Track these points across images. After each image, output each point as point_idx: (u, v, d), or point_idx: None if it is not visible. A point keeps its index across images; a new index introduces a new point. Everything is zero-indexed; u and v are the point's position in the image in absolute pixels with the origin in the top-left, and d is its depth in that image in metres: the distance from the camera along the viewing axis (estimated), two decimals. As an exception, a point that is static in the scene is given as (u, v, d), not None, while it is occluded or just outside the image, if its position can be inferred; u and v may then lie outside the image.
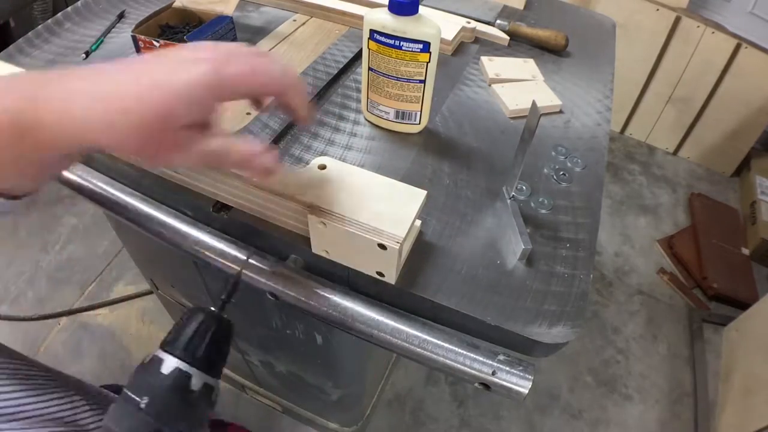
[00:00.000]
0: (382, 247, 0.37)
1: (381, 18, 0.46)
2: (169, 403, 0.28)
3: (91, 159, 0.52)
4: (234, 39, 0.63)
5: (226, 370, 1.13)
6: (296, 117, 0.36)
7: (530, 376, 0.37)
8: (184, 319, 0.32)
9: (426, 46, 0.47)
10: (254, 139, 0.34)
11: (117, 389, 0.84)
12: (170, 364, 0.29)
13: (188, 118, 0.30)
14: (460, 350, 0.38)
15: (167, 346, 0.30)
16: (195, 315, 0.32)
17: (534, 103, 0.40)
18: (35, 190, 0.32)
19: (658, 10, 1.75)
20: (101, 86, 0.29)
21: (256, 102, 0.39)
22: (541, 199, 0.48)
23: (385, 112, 0.53)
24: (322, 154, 0.51)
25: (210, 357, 0.31)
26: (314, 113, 0.36)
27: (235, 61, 0.31)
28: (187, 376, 0.29)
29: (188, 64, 0.30)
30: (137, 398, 0.28)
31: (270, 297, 0.44)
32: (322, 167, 0.42)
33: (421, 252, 0.43)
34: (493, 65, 0.64)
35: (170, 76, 0.29)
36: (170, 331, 0.31)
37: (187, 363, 0.30)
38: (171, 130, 0.29)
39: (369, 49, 0.49)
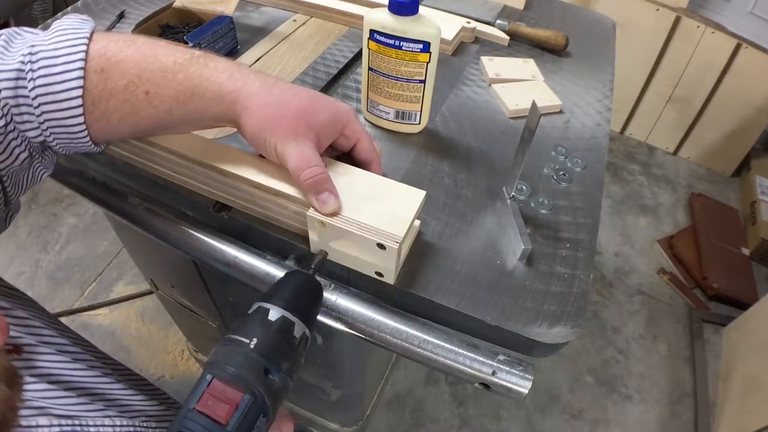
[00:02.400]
0: (381, 246, 0.37)
1: (381, 18, 0.46)
2: (275, 345, 0.31)
3: (89, 159, 0.52)
4: (234, 39, 0.63)
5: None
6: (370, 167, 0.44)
7: (530, 376, 0.37)
8: (286, 278, 0.36)
9: (426, 46, 0.46)
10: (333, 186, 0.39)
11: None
12: (276, 312, 0.33)
13: (322, 128, 0.38)
14: (460, 350, 0.38)
15: (271, 299, 0.34)
16: (295, 275, 0.36)
17: (534, 103, 0.40)
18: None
19: (658, 10, 1.75)
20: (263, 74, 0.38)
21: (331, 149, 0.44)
22: (541, 199, 0.48)
23: (385, 112, 0.53)
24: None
25: (307, 310, 0.35)
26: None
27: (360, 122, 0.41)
28: (291, 324, 0.33)
29: (336, 100, 0.40)
30: (246, 340, 0.31)
31: (270, 297, 0.44)
32: (322, 167, 0.42)
33: (421, 252, 0.43)
34: (493, 65, 0.64)
35: (323, 97, 0.39)
36: (271, 287, 0.35)
37: (291, 312, 0.33)
38: (310, 129, 0.38)
39: (369, 49, 0.49)
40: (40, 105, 0.32)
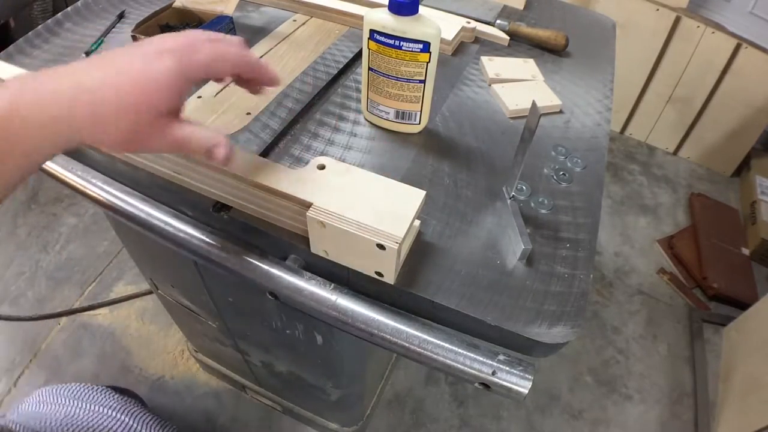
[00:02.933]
0: (381, 247, 0.37)
1: (381, 18, 0.46)
2: None
3: (89, 159, 0.52)
4: (234, 39, 0.63)
5: (225, 370, 1.14)
6: (264, 82, 0.40)
7: (530, 376, 0.37)
8: None
9: (426, 46, 0.46)
10: (214, 129, 0.37)
11: (116, 390, 0.84)
12: None
13: (164, 104, 0.33)
14: (460, 350, 0.38)
15: None
16: None
17: (534, 103, 0.40)
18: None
19: (658, 10, 1.75)
20: (80, 83, 0.31)
21: (218, 79, 0.42)
22: (541, 199, 0.48)
23: (385, 112, 0.53)
24: (322, 154, 0.51)
25: None
26: (276, 74, 0.40)
27: (198, 50, 0.34)
28: None
29: (157, 56, 0.33)
30: None
31: (270, 297, 0.44)
32: (322, 167, 0.42)
33: (421, 252, 0.43)
34: (493, 65, 0.64)
35: (143, 68, 0.32)
36: None
37: None
38: (149, 117, 0.33)
39: (369, 49, 0.49)
40: None
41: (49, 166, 0.51)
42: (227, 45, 0.37)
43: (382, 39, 0.47)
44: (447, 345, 0.39)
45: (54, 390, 0.69)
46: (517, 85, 0.62)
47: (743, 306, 1.39)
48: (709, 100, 1.85)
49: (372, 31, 0.47)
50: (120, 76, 0.31)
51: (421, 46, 0.46)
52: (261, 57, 0.62)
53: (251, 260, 0.44)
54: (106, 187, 0.50)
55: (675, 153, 2.04)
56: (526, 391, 0.37)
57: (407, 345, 0.39)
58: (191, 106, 0.55)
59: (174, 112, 0.35)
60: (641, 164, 1.98)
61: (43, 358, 1.25)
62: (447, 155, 0.53)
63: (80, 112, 0.30)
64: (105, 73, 0.31)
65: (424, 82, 0.50)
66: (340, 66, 0.62)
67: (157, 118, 0.33)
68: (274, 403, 1.11)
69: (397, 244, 0.36)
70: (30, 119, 0.29)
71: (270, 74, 0.40)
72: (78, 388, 0.70)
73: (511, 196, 0.46)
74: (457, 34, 0.68)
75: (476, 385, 0.39)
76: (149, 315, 1.35)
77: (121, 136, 0.32)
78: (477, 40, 0.71)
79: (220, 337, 0.90)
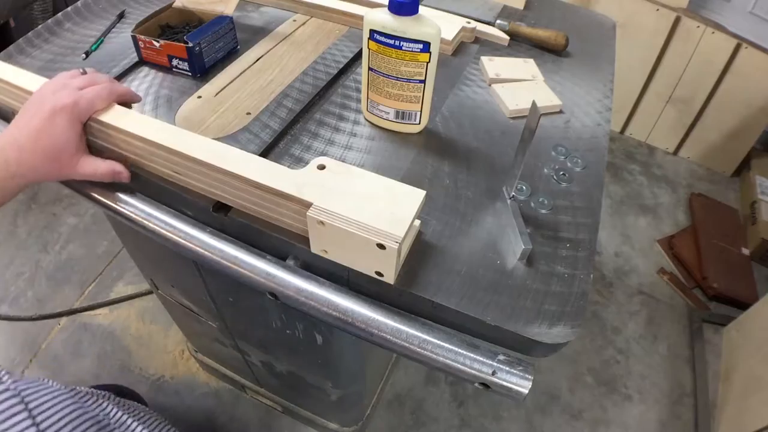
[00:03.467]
0: (381, 246, 0.37)
1: (381, 18, 0.46)
2: None
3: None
4: (234, 39, 0.63)
5: (225, 370, 1.14)
6: (132, 101, 0.51)
7: (530, 376, 0.37)
8: None
9: (426, 46, 0.46)
10: (106, 166, 0.47)
11: (117, 389, 0.84)
12: None
13: (68, 152, 0.44)
14: (460, 350, 0.38)
15: None
16: None
17: (534, 103, 0.40)
18: None
19: (658, 10, 1.75)
20: (16, 138, 0.43)
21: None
22: (541, 199, 0.48)
23: (385, 112, 0.53)
24: (322, 154, 0.51)
25: None
26: (137, 94, 0.51)
27: (80, 99, 0.45)
28: None
29: (51, 117, 0.43)
30: None
31: (270, 297, 0.44)
32: (322, 167, 0.42)
33: (421, 252, 0.43)
34: (493, 65, 0.64)
35: (48, 133, 0.43)
36: None
37: None
38: (59, 163, 0.44)
39: (369, 49, 0.49)
40: None
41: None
42: (100, 87, 0.47)
43: (382, 39, 0.47)
44: (447, 345, 0.39)
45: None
46: (517, 85, 0.62)
47: (743, 306, 1.39)
48: (709, 100, 1.85)
49: (372, 31, 0.47)
50: (34, 142, 0.43)
51: (421, 46, 0.46)
52: (261, 57, 0.62)
53: (251, 260, 0.44)
54: (105, 187, 0.50)
55: (675, 153, 2.04)
56: (526, 391, 0.37)
57: (407, 345, 0.39)
58: (191, 105, 0.55)
59: (81, 150, 0.45)
60: (641, 164, 1.98)
61: (43, 358, 1.25)
62: (447, 155, 0.53)
63: (13, 163, 0.43)
64: (27, 137, 0.43)
65: (424, 82, 0.50)
66: (340, 66, 0.62)
67: (68, 159, 0.45)
68: (273, 403, 1.11)
69: (398, 244, 0.36)
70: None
71: (135, 97, 0.50)
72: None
73: (511, 196, 0.46)
74: (457, 34, 0.68)
75: (476, 385, 0.39)
76: (149, 315, 1.35)
77: (45, 177, 0.45)
78: (477, 40, 0.71)
79: (220, 337, 0.90)
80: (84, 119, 0.45)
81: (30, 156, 0.43)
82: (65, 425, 0.49)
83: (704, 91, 1.84)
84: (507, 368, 0.38)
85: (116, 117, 0.46)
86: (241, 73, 0.60)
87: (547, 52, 0.71)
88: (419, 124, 0.54)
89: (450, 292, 0.40)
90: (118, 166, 0.47)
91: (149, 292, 1.36)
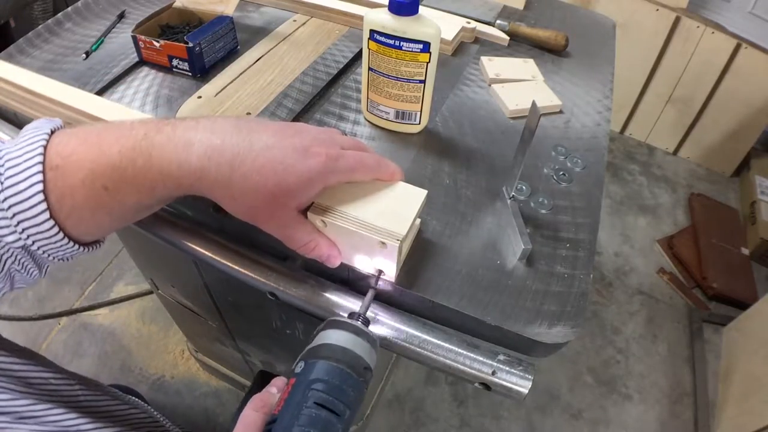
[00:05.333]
0: (383, 244, 0.37)
1: (381, 18, 0.46)
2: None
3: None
4: (234, 39, 0.63)
5: (226, 370, 1.14)
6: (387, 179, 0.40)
7: (530, 376, 0.37)
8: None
9: (426, 46, 0.47)
10: (328, 245, 0.39)
11: (118, 389, 0.84)
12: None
13: (299, 201, 0.35)
14: (460, 350, 0.38)
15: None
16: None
17: (534, 103, 0.40)
18: (104, 238, 0.37)
19: (658, 10, 1.75)
20: (217, 140, 0.32)
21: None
22: (541, 199, 0.48)
23: (385, 112, 0.53)
24: (322, 154, 0.51)
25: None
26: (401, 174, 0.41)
27: (343, 155, 0.35)
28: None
29: (306, 154, 0.33)
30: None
31: (270, 297, 0.44)
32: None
33: (422, 252, 0.43)
34: (493, 65, 0.64)
35: (291, 161, 0.33)
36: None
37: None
38: (275, 206, 0.34)
39: (369, 49, 0.49)
40: (10, 207, 0.31)
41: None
42: (368, 155, 0.38)
43: (382, 39, 0.47)
44: (447, 345, 0.39)
45: None
46: (517, 85, 0.62)
47: (743, 306, 1.39)
48: (709, 100, 1.85)
49: (372, 31, 0.47)
50: (266, 161, 0.32)
51: (421, 46, 0.46)
52: (261, 57, 0.62)
53: (251, 260, 0.44)
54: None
55: (675, 153, 2.04)
56: (526, 391, 0.37)
57: (407, 345, 0.39)
58: (192, 105, 0.55)
59: (299, 207, 0.36)
60: (641, 164, 1.99)
61: (43, 358, 1.25)
62: (447, 155, 0.53)
63: (210, 169, 0.32)
64: (245, 144, 0.32)
65: (424, 82, 0.50)
66: (340, 66, 0.62)
67: (281, 209, 0.34)
68: (274, 403, 1.11)
69: (399, 242, 0.36)
70: (154, 161, 0.32)
71: (398, 175, 0.40)
72: None
73: (511, 196, 0.46)
74: (457, 34, 0.68)
75: (476, 385, 0.39)
76: (149, 315, 1.35)
77: (238, 208, 0.34)
78: (477, 40, 0.72)
79: (220, 337, 0.90)
80: (333, 182, 0.36)
81: (239, 178, 0.32)
82: None
83: (704, 91, 1.84)
84: (507, 368, 0.38)
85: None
86: (241, 73, 0.60)
87: (547, 52, 0.71)
88: (419, 124, 0.54)
89: (450, 292, 0.40)
90: (333, 250, 0.38)
91: (149, 292, 1.36)
